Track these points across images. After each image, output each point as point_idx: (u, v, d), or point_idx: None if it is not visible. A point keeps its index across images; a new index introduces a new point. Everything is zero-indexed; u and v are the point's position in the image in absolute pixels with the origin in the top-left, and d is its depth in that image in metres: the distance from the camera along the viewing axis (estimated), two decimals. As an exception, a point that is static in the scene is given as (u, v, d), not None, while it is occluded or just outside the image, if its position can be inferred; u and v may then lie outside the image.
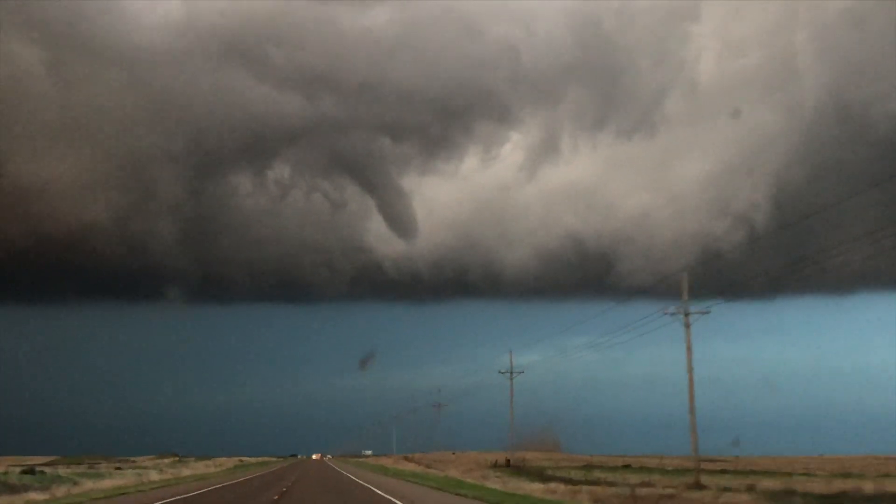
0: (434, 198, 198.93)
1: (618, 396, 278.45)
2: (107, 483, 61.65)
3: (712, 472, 70.34)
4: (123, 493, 48.29)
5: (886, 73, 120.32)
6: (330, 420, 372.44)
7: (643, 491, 42.03)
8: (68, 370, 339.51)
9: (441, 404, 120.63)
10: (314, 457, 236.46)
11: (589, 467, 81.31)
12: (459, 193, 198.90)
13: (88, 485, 57.33)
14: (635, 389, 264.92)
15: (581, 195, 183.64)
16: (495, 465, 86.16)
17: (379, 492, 47.92)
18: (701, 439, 51.13)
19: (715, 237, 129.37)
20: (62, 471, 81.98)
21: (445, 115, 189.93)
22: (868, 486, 46.11)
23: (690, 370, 51.29)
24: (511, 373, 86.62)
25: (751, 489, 45.07)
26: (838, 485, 48.78)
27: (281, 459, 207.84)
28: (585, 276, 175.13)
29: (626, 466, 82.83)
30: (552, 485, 54.40)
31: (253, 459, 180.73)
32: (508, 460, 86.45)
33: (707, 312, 50.33)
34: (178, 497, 44.60)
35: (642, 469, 78.18)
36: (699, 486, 48.07)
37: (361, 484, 57.96)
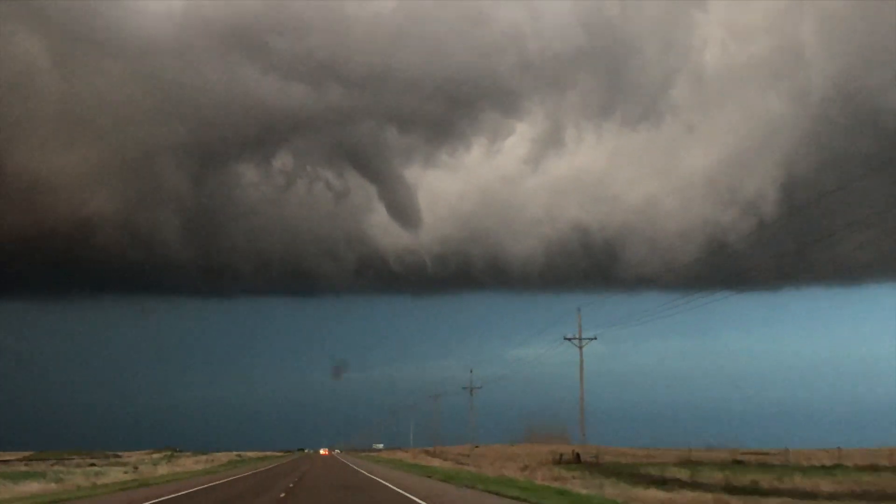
0: (439, 188, 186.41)
1: (622, 388, 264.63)
2: (32, 487, 42.86)
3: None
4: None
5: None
6: (335, 414, 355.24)
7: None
8: (70, 364, 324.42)
9: (474, 387, 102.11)
10: (322, 451, 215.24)
11: (690, 464, 61.30)
12: (464, 183, 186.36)
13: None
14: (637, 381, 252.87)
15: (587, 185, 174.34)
16: (560, 461, 66.21)
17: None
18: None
19: (722, 226, 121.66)
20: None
21: (451, 103, 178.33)
22: None
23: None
24: (580, 339, 66.77)
25: None
26: None
27: (284, 454, 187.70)
28: (591, 266, 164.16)
29: (739, 462, 62.69)
30: (688, 493, 34.72)
31: (253, 454, 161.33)
32: (578, 454, 66.20)
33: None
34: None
35: (763, 466, 58.34)
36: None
37: (407, 496, 37.60)
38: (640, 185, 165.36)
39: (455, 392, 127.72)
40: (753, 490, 37.11)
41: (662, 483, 44.38)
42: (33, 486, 43.31)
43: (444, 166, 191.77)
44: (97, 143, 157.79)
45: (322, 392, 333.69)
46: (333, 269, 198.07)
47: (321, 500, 33.84)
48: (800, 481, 40.79)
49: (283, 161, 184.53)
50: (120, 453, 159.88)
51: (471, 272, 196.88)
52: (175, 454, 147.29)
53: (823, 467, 57.41)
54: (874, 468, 54.50)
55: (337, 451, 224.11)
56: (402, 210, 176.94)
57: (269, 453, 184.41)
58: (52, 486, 43.63)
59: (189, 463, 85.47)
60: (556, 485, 42.62)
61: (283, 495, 36.34)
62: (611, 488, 37.98)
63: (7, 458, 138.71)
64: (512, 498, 32.88)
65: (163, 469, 65.01)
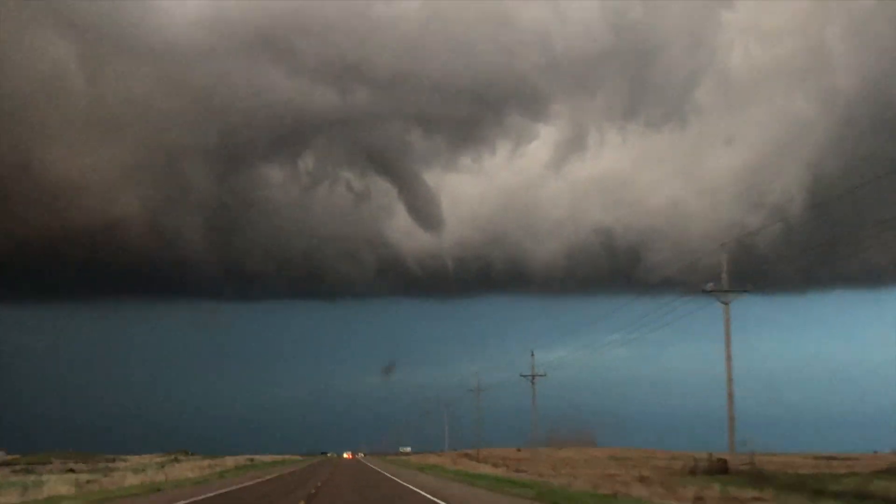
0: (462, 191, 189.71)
1: (647, 390, 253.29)
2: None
3: None
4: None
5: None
6: (358, 417, 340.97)
7: None
8: (90, 366, 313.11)
9: (537, 374, 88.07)
10: (346, 455, 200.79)
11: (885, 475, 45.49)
12: (486, 186, 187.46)
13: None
14: (663, 383, 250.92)
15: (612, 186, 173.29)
16: (693, 472, 50.41)
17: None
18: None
19: (747, 229, 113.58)
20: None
21: (476, 105, 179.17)
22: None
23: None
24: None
25: None
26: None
27: (304, 458, 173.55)
28: (614, 269, 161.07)
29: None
30: None
31: (268, 458, 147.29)
32: (726, 462, 49.14)
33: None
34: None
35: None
36: None
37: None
38: (664, 187, 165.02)
39: (481, 395, 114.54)
40: None
41: None
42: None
43: (467, 170, 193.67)
44: (123, 145, 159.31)
45: (345, 396, 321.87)
46: (355, 271, 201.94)
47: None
48: None
49: (306, 162, 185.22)
50: (127, 457, 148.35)
51: (490, 275, 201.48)
52: (184, 457, 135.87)
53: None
54: None
55: (361, 454, 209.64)
56: (424, 213, 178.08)
57: (287, 457, 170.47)
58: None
59: (185, 469, 71.17)
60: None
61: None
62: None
63: None
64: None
65: (133, 479, 50.48)
